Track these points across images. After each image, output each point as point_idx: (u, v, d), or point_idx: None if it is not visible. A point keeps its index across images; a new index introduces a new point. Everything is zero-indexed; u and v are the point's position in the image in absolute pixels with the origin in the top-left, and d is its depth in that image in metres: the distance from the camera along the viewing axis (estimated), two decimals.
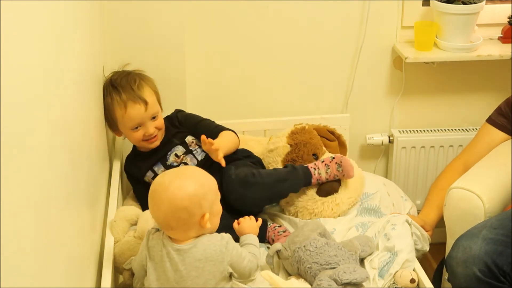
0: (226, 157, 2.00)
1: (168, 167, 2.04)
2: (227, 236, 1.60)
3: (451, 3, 2.39)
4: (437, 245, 2.28)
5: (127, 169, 2.14)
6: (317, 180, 2.03)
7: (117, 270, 1.79)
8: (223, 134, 2.10)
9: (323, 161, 2.04)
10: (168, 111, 2.17)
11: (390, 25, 2.50)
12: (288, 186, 2.01)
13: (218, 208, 1.61)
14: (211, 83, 2.52)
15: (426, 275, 1.80)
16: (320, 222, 1.92)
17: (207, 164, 2.01)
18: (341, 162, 2.02)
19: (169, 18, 2.32)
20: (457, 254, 1.79)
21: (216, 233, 1.60)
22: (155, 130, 2.03)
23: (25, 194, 0.97)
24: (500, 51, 2.46)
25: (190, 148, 2.08)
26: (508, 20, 2.51)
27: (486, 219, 1.93)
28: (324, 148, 2.21)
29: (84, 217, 1.54)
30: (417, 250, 1.94)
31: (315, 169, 2.03)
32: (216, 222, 1.61)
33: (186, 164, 2.05)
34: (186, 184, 1.52)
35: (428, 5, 2.48)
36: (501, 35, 2.53)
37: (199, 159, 2.06)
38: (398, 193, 2.25)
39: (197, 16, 2.37)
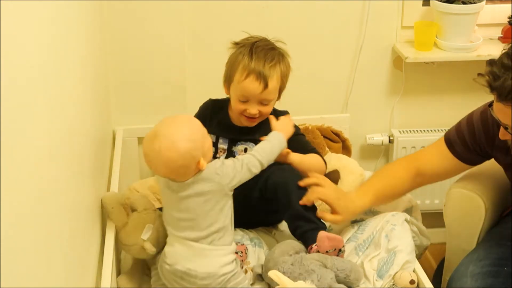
0: None
1: (230, 152, 1.94)
2: (226, 160, 1.69)
3: (451, 3, 2.39)
4: (437, 245, 2.28)
5: (204, 114, 2.02)
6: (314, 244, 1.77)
7: (127, 249, 1.80)
8: (308, 155, 1.95)
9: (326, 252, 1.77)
10: (168, 111, 2.16)
11: (390, 25, 2.50)
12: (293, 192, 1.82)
13: (209, 145, 1.68)
14: (211, 83, 2.51)
15: (426, 276, 1.80)
16: (293, 242, 1.79)
17: None
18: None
19: (169, 18, 2.32)
20: None
21: (214, 160, 1.69)
22: (257, 113, 1.88)
23: (24, 193, 0.97)
24: (500, 51, 2.42)
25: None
26: (508, 20, 2.51)
27: (475, 247, 1.94)
28: (326, 148, 2.21)
29: (84, 215, 1.54)
30: (417, 246, 1.94)
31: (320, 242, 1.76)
32: (210, 155, 1.69)
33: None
34: (176, 145, 1.58)
35: (428, 5, 2.48)
36: (501, 35, 2.53)
37: None
38: None
39: (197, 16, 2.37)
